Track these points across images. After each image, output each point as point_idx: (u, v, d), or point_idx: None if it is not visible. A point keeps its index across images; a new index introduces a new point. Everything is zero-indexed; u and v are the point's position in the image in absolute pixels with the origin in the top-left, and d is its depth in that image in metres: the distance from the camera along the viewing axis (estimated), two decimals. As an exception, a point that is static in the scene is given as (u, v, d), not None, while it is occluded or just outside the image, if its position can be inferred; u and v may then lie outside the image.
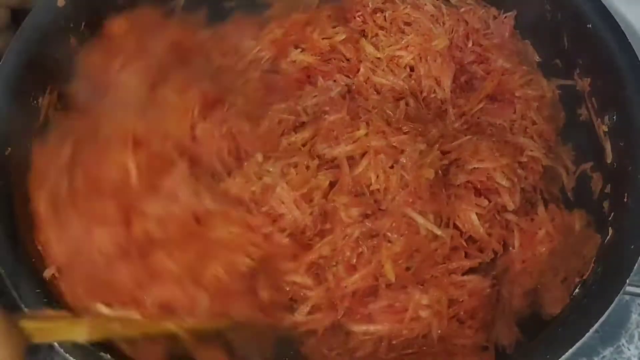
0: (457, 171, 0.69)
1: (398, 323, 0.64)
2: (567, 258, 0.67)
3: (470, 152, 0.70)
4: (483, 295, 0.66)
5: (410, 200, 0.65)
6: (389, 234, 0.65)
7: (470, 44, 0.81)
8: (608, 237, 0.64)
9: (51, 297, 0.57)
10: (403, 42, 0.80)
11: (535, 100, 0.77)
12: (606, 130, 0.71)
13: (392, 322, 0.64)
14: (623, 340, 0.77)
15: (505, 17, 0.83)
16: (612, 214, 0.66)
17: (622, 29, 0.71)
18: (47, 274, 0.59)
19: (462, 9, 0.83)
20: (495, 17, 0.83)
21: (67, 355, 0.54)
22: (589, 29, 0.73)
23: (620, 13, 0.77)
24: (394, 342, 0.64)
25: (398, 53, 0.80)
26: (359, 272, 0.65)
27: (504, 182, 0.69)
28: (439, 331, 0.63)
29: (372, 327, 0.64)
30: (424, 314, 0.63)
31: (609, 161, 0.70)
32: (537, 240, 0.69)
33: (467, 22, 0.82)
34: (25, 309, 0.56)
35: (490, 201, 0.69)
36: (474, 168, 0.69)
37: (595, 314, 0.57)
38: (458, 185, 0.69)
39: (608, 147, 0.71)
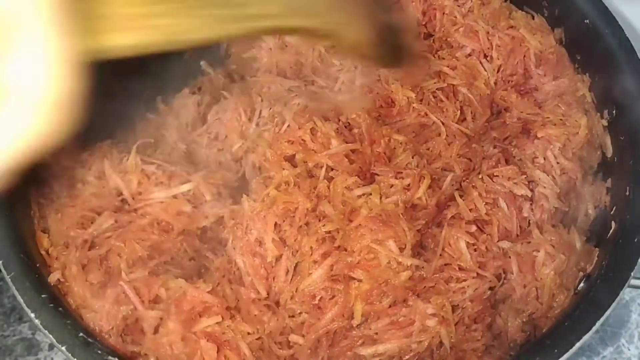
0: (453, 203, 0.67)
1: (406, 338, 0.61)
2: (574, 276, 0.65)
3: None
4: (484, 299, 0.64)
5: (373, 227, 0.62)
6: (352, 273, 0.62)
7: (512, 81, 0.78)
8: (611, 231, 0.64)
9: (56, 302, 0.56)
10: (451, 61, 0.77)
11: (558, 140, 0.72)
12: (606, 124, 0.71)
13: (399, 338, 0.61)
14: (623, 340, 0.77)
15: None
16: (614, 207, 0.66)
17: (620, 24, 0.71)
18: (52, 279, 0.58)
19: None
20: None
21: (71, 356, 0.52)
22: (587, 25, 0.73)
23: (618, 10, 0.78)
24: (405, 358, 0.61)
25: (445, 70, 0.77)
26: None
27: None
28: (451, 339, 0.61)
29: (380, 348, 0.61)
30: (431, 323, 0.60)
31: (609, 155, 0.71)
32: (538, 262, 0.65)
33: (514, 56, 0.78)
34: (31, 314, 0.54)
35: (484, 232, 0.66)
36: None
37: (601, 307, 0.56)
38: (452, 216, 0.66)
39: (608, 141, 0.71)
